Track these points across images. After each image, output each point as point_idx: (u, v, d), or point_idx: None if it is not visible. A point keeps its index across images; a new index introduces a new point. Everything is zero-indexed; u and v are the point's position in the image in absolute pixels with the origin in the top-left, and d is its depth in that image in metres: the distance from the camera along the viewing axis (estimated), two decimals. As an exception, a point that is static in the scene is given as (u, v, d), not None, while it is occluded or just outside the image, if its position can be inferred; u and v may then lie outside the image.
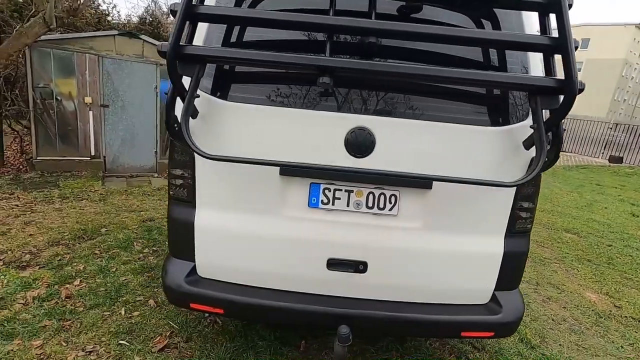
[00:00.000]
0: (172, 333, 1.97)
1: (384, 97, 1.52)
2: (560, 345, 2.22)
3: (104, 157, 5.57)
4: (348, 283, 1.59)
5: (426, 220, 1.57)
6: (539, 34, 1.34)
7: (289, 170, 1.50)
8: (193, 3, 1.23)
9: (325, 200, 1.55)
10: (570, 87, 1.22)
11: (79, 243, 2.94)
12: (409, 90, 1.55)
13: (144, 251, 2.90)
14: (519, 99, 1.54)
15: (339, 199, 1.55)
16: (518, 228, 1.62)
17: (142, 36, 5.69)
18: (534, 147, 1.40)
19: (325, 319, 1.57)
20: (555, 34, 1.25)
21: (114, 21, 11.62)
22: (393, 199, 1.55)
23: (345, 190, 1.55)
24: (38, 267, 2.51)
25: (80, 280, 2.38)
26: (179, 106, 1.33)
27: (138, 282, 2.42)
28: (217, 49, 1.37)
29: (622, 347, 2.27)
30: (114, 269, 2.57)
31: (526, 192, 1.59)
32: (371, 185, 1.55)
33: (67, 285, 2.31)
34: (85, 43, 5.18)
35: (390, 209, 1.55)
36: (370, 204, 1.55)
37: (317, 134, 1.50)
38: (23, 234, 3.00)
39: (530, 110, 1.49)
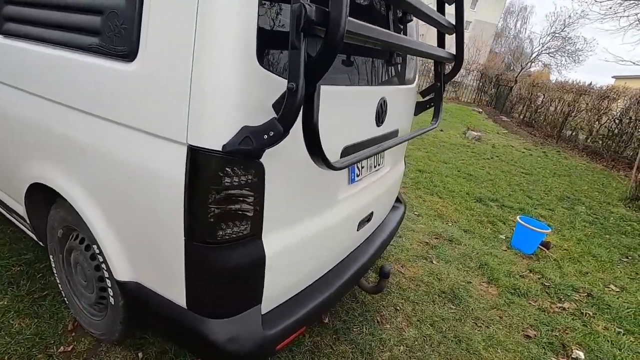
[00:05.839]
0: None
1: (387, 67, 1.65)
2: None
3: None
4: (363, 234, 1.84)
5: (391, 163, 2.03)
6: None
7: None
8: None
9: (358, 172, 1.63)
10: (459, 59, 1.98)
11: None
12: (392, 60, 1.74)
13: None
14: (414, 64, 2.14)
15: (364, 167, 1.67)
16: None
17: None
18: (431, 96, 2.14)
19: (362, 270, 1.79)
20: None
21: None
22: (383, 153, 1.86)
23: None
24: None
25: None
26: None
27: None
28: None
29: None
30: None
31: None
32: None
33: None
34: None
35: (382, 163, 1.87)
36: (375, 164, 1.79)
37: (359, 109, 1.46)
38: None
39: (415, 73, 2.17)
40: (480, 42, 27.31)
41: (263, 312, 1.27)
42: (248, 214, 1.08)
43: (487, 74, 16.45)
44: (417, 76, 2.17)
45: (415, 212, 3.73)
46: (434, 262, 2.85)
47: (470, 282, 2.66)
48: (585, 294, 2.77)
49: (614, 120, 8.83)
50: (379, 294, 2.20)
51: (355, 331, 1.99)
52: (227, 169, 0.99)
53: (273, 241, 1.20)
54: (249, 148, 0.94)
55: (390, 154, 1.98)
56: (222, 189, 1.00)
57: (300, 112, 0.91)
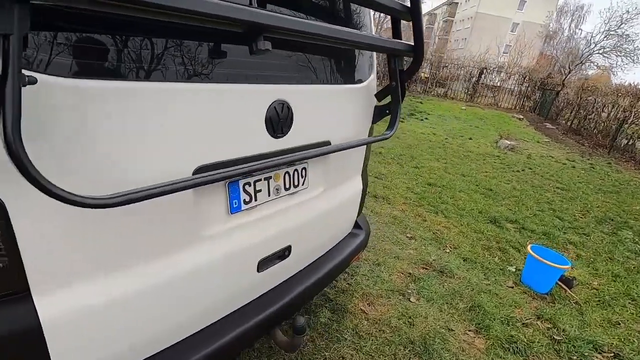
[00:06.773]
0: None
1: (293, 61, 1.26)
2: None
3: None
4: (275, 274, 1.45)
5: (326, 183, 1.61)
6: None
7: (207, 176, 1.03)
8: None
9: (248, 199, 1.24)
10: (419, 52, 1.52)
11: None
12: (310, 52, 1.35)
13: None
14: (366, 59, 1.70)
15: (260, 190, 1.28)
16: (365, 165, 1.98)
17: None
18: (388, 97, 1.68)
19: (271, 321, 1.40)
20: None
21: None
22: (304, 172, 1.46)
23: (265, 179, 1.29)
24: None
25: None
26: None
27: None
28: None
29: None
30: None
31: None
32: (285, 165, 1.36)
33: None
34: None
35: (303, 183, 1.47)
36: (287, 185, 1.39)
37: (231, 115, 1.09)
38: None
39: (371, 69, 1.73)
40: (522, 44, 25.36)
41: None
42: (-10, 265, 0.75)
43: (530, 78, 15.12)
44: (371, 74, 1.74)
45: (408, 234, 3.22)
46: (411, 299, 2.35)
47: (452, 330, 2.13)
48: (611, 354, 2.13)
49: (681, 128, 7.55)
50: (294, 352, 1.76)
51: (274, 394, 1.59)
52: None
53: (63, 300, 0.86)
54: None
55: (323, 172, 1.56)
56: None
57: None
